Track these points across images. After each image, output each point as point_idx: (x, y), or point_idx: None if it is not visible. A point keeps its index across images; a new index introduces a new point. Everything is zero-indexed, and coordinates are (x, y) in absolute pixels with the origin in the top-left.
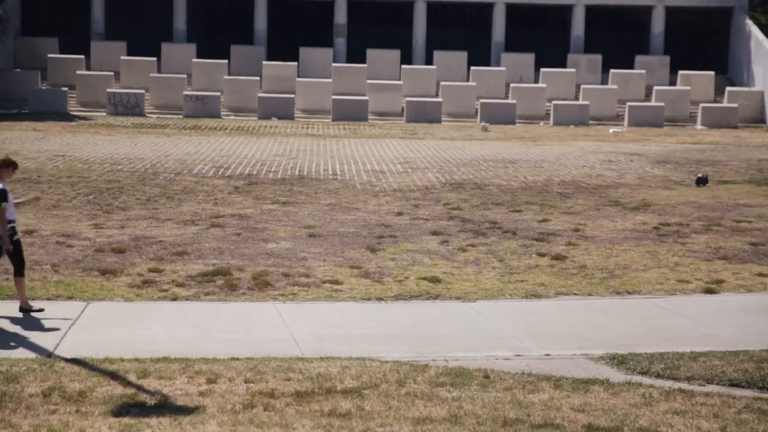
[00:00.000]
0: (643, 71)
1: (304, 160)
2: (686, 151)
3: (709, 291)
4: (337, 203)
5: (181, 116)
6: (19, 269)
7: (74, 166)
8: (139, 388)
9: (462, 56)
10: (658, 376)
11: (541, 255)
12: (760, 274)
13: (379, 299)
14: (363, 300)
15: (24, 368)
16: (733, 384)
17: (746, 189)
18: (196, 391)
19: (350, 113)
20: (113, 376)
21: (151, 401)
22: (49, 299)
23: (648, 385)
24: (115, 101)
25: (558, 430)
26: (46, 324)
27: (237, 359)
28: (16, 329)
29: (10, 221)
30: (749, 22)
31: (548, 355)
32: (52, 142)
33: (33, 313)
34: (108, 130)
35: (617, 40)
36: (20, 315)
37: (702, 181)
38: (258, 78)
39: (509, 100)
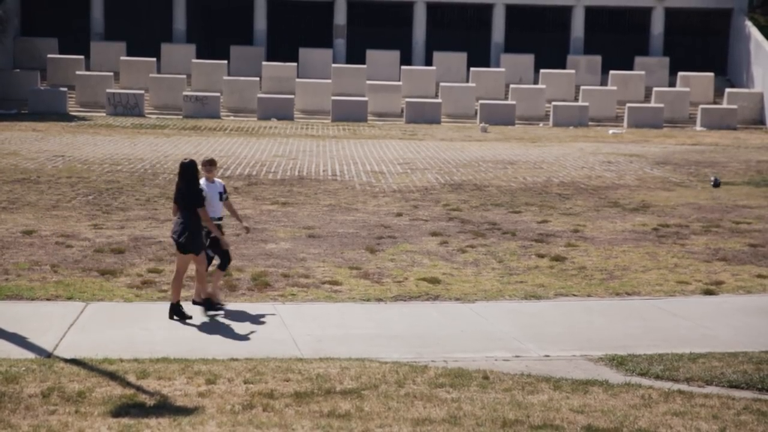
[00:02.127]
0: (643, 72)
1: (303, 161)
2: (685, 153)
3: (709, 292)
4: (336, 204)
5: (181, 117)
6: (224, 264)
7: (74, 166)
8: (139, 388)
9: (461, 57)
10: (657, 377)
11: (541, 256)
12: (760, 276)
13: (379, 300)
14: (362, 301)
15: (23, 369)
16: (733, 385)
17: (745, 190)
18: (195, 391)
19: (350, 114)
20: (112, 376)
21: (150, 402)
22: (48, 299)
23: (647, 386)
24: (115, 102)
25: (557, 431)
26: (45, 324)
27: (236, 360)
28: (16, 329)
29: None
30: (749, 24)
31: (547, 356)
32: (52, 142)
33: (215, 311)
34: (107, 131)
35: (617, 41)
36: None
37: (717, 184)
38: (257, 78)
39: (509, 101)
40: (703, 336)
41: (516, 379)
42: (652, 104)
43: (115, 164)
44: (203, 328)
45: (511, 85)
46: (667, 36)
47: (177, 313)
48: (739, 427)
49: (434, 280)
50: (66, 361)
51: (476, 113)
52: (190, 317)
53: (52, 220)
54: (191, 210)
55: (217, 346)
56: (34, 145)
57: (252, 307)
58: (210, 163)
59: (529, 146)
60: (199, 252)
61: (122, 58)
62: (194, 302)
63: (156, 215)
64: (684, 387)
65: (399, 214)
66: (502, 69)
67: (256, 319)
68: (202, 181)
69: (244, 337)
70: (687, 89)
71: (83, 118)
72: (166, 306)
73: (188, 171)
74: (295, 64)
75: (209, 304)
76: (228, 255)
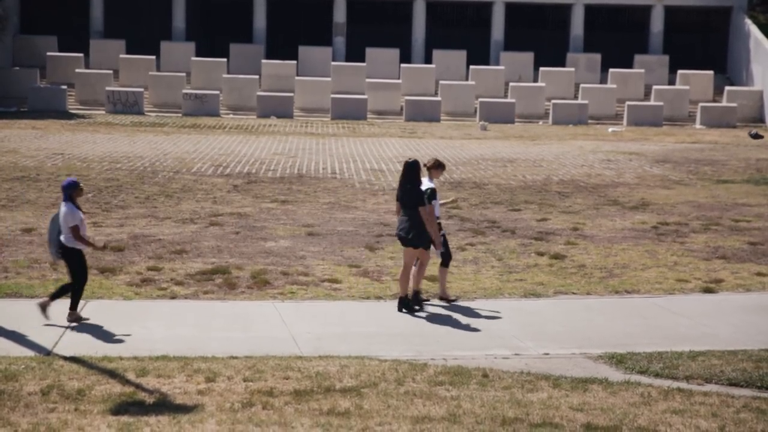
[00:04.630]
0: (642, 70)
1: (303, 159)
2: (685, 151)
3: (708, 290)
4: (336, 202)
5: (180, 115)
6: (446, 261)
7: (73, 164)
8: (138, 386)
9: (461, 55)
10: (656, 375)
11: (540, 254)
12: (759, 274)
13: (378, 298)
14: (362, 299)
15: (23, 366)
16: (732, 383)
17: (745, 188)
18: (194, 389)
19: (349, 112)
20: (112, 374)
21: (149, 400)
22: None
23: (647, 384)
24: (114, 99)
25: (557, 429)
26: (45, 322)
27: (236, 358)
28: (15, 327)
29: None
30: (748, 22)
31: (547, 354)
32: (51, 140)
33: (451, 302)
34: (107, 129)
35: (616, 40)
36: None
37: (756, 136)
38: (257, 76)
39: (508, 99)
40: (703, 334)
41: (515, 377)
42: (652, 102)
43: (114, 162)
44: (198, 326)
45: (511, 83)
46: (666, 34)
47: (405, 306)
48: (738, 425)
49: (434, 278)
50: (65, 358)
51: (476, 111)
52: (418, 309)
53: None
54: (415, 208)
55: (216, 344)
56: (33, 143)
57: (251, 305)
58: (437, 166)
59: (529, 144)
60: (428, 246)
61: (122, 56)
62: (440, 298)
63: (155, 213)
64: (683, 385)
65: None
66: (502, 67)
67: (256, 318)
68: (428, 182)
69: (243, 335)
70: (686, 87)
71: (83, 116)
72: (165, 304)
73: (410, 170)
74: (294, 62)
75: (415, 298)
76: (448, 252)
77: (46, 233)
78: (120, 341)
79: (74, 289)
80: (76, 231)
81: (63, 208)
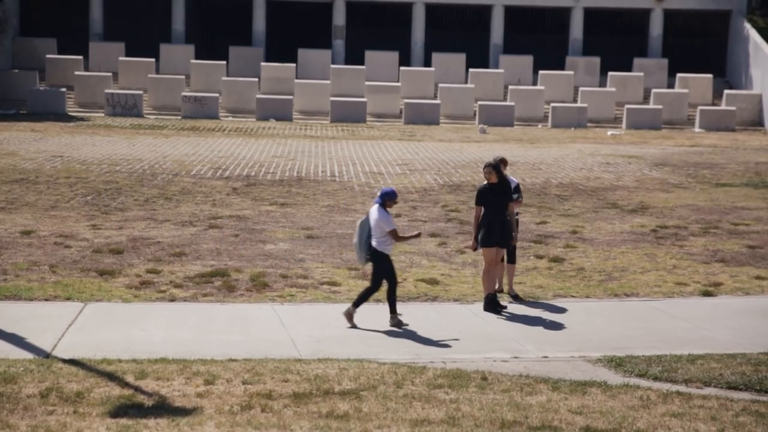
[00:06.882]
0: (642, 74)
1: (302, 162)
2: (684, 154)
3: (707, 294)
4: (335, 205)
5: (180, 117)
6: (512, 257)
7: (72, 166)
8: (137, 389)
9: (460, 58)
10: (655, 378)
11: (539, 257)
12: (758, 277)
13: (377, 301)
14: None
15: (21, 369)
16: (731, 387)
17: (744, 192)
18: (193, 392)
19: (348, 115)
20: (111, 376)
21: (148, 402)
22: (47, 300)
23: (646, 387)
24: (114, 102)
25: None
26: (43, 325)
27: (235, 360)
28: (14, 329)
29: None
30: (747, 26)
31: (546, 357)
32: (50, 142)
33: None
34: (106, 131)
35: (616, 43)
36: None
37: None
38: (256, 79)
39: (507, 102)
40: (702, 337)
41: (514, 380)
42: (651, 106)
43: (113, 165)
44: (197, 329)
45: (510, 87)
46: (665, 37)
47: (492, 304)
48: (737, 429)
49: (433, 281)
50: (64, 361)
51: (475, 114)
52: (505, 307)
53: (50, 220)
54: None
55: (215, 347)
56: (32, 146)
57: (250, 308)
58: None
59: (528, 147)
60: (502, 245)
61: (121, 58)
62: (510, 294)
63: (154, 216)
64: (682, 388)
65: (397, 215)
66: (501, 70)
67: (255, 320)
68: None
69: (242, 338)
70: (686, 91)
71: (82, 119)
72: (165, 307)
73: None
74: (293, 64)
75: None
76: (514, 250)
77: (355, 237)
78: (119, 344)
79: (390, 294)
80: (395, 234)
81: (376, 213)
